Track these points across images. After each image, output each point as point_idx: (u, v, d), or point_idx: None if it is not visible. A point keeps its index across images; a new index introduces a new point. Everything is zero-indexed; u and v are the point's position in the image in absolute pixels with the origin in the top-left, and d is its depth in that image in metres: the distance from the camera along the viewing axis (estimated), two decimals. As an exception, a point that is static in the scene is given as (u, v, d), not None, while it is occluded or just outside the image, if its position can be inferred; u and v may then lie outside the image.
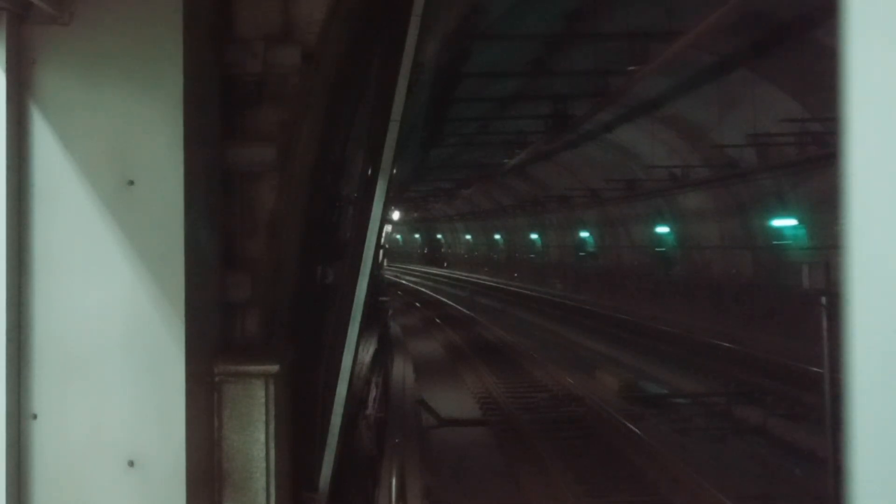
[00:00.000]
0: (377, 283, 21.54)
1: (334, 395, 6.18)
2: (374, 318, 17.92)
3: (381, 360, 17.38)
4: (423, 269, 74.00)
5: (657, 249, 33.96)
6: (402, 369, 19.35)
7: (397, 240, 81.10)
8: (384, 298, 26.51)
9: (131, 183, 4.55)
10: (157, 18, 4.55)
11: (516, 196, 48.27)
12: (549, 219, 47.43)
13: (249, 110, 5.47)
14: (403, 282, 58.97)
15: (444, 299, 44.16)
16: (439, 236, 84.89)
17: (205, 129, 5.07)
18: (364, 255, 6.37)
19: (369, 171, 6.92)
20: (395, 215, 38.36)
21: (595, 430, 15.54)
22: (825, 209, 20.34)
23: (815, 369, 14.63)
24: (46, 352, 4.53)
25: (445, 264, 76.21)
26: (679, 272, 32.23)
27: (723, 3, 11.84)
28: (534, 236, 53.81)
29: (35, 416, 4.53)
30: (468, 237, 72.67)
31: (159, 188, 4.56)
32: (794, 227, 23.57)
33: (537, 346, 26.46)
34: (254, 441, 5.08)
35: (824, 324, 9.83)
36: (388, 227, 27.38)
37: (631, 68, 17.24)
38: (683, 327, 25.81)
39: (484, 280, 55.80)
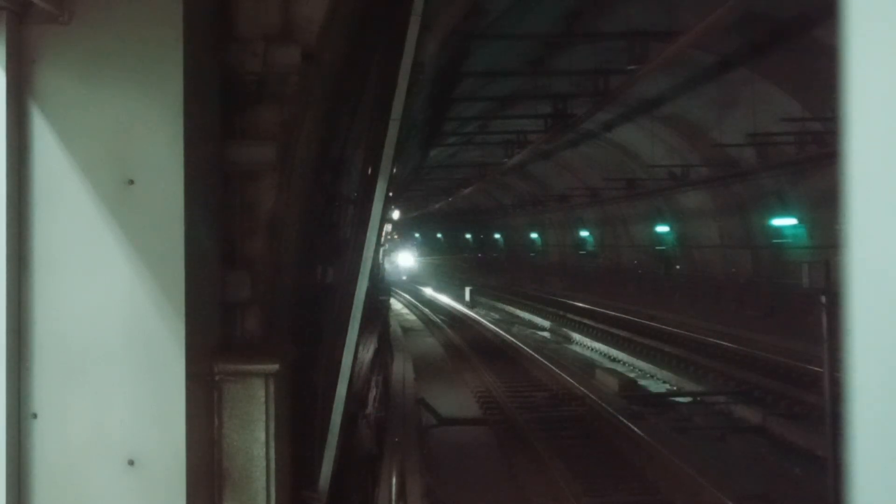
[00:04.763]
0: (377, 283, 21.51)
1: (334, 394, 6.18)
2: (373, 317, 17.90)
3: (381, 360, 17.37)
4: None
5: (657, 248, 33.96)
6: (402, 368, 19.36)
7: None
8: (384, 298, 26.51)
9: (131, 182, 4.55)
10: (157, 18, 4.54)
11: (516, 195, 48.23)
12: (549, 218, 47.41)
13: (249, 110, 5.47)
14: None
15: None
16: (439, 235, 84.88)
17: (205, 128, 5.06)
18: (364, 254, 6.37)
19: (369, 171, 6.92)
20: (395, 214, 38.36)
21: (595, 428, 15.54)
22: (825, 208, 20.34)
23: (814, 368, 14.64)
24: (46, 352, 4.53)
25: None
26: (679, 271, 32.23)
27: (723, 3, 11.83)
28: (533, 235, 53.79)
29: (35, 416, 4.52)
30: (468, 236, 72.69)
31: (159, 188, 4.56)
32: (793, 227, 23.58)
33: (536, 346, 26.44)
34: (254, 440, 5.08)
35: (824, 323, 9.82)
36: (387, 227, 27.35)
37: (631, 67, 17.23)
38: (684, 326, 25.79)
39: (484, 280, 55.85)
